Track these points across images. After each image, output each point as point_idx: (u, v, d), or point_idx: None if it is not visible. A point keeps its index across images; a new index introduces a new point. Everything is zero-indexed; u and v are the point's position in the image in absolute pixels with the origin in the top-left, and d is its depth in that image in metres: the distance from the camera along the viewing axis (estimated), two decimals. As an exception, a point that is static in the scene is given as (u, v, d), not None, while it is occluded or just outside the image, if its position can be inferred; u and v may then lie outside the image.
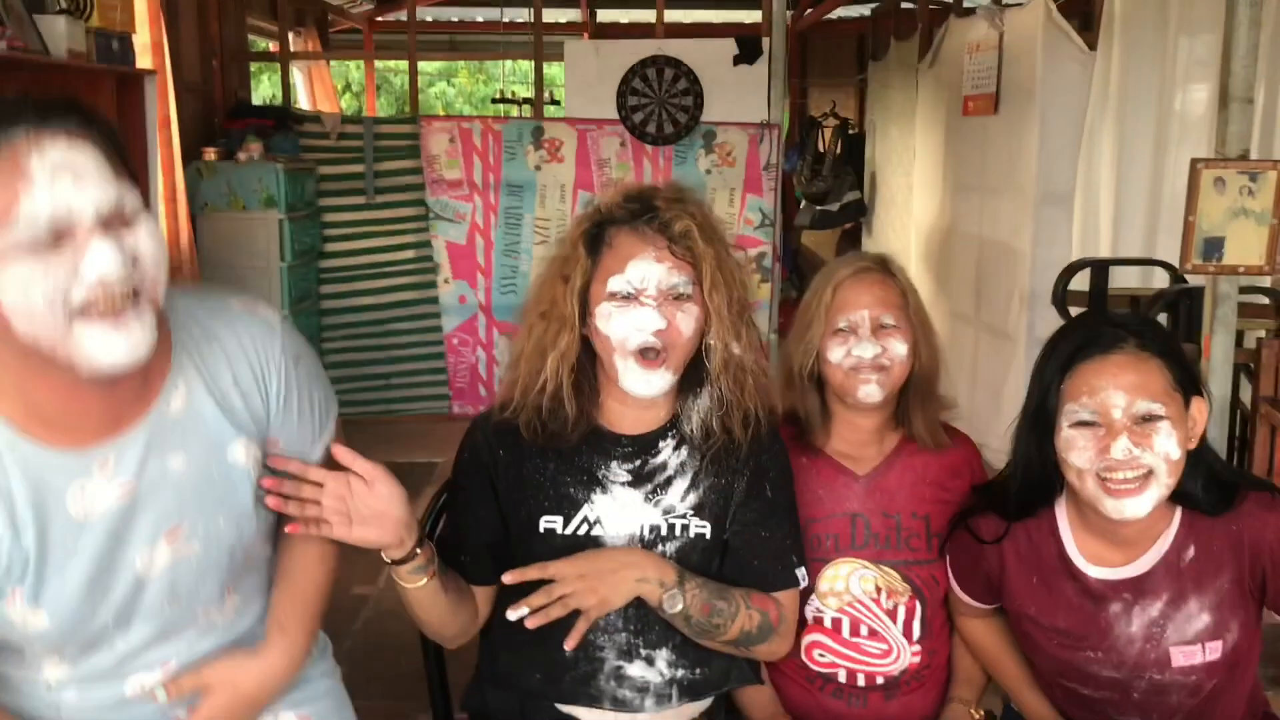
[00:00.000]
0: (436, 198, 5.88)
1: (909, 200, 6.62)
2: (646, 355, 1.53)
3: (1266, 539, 1.54)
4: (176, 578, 1.33)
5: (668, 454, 1.62)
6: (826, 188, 7.39)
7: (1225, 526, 1.56)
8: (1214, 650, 1.56)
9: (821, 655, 1.80)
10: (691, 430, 1.61)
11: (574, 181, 5.90)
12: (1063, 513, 1.63)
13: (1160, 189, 4.55)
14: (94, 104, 1.24)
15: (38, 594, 1.23)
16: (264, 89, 11.19)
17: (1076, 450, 1.51)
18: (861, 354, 1.71)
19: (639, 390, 1.55)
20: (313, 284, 5.79)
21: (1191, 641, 1.56)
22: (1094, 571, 1.60)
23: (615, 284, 1.54)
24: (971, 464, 1.85)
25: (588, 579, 1.52)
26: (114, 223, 1.14)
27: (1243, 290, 3.51)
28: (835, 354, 1.74)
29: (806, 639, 1.80)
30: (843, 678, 1.79)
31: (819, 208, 7.42)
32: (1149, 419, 1.47)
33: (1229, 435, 3.66)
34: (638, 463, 1.61)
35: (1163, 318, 3.82)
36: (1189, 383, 1.52)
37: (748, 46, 5.78)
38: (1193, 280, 3.56)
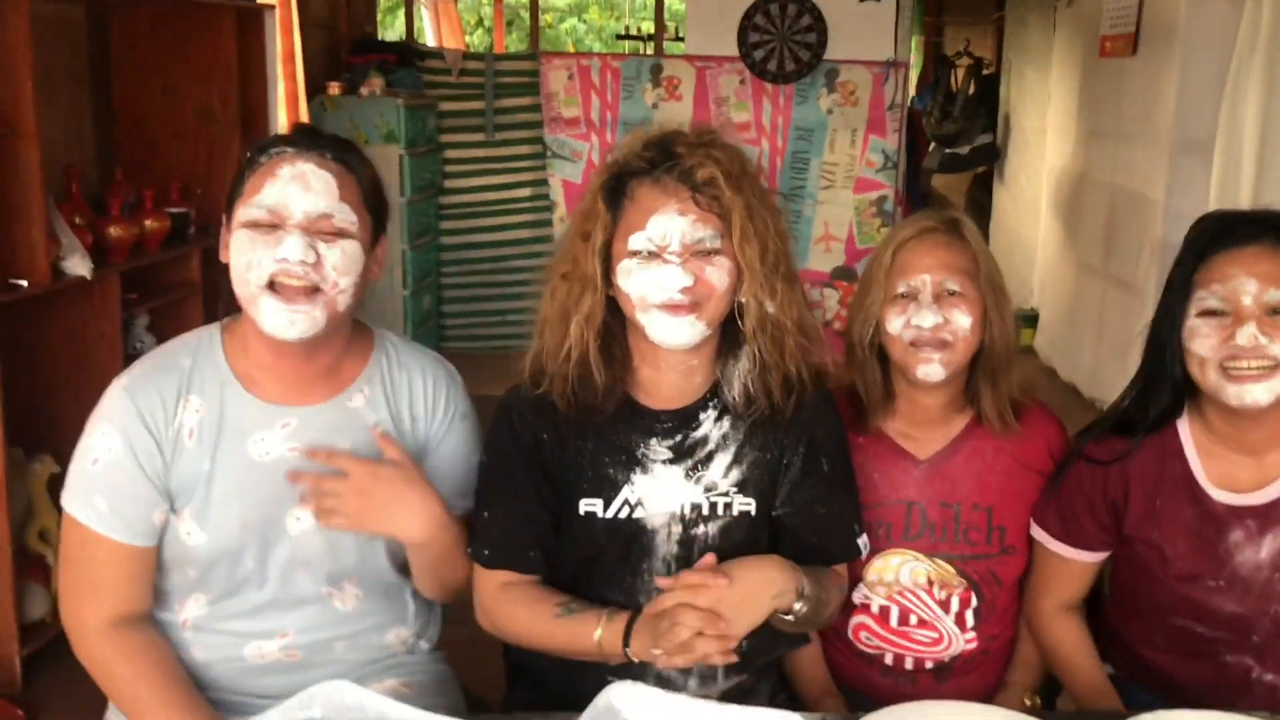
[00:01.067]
0: (554, 135, 5.89)
1: (1042, 145, 6.36)
2: (673, 303, 1.43)
3: None
4: (313, 546, 1.52)
5: (709, 426, 1.54)
6: (957, 129, 7.14)
7: None
8: None
9: (868, 639, 1.74)
10: (734, 396, 1.52)
11: (691, 120, 5.82)
12: (1186, 431, 1.57)
13: (1311, 139, 4.26)
14: (356, 146, 1.55)
15: (203, 515, 1.47)
16: (398, 26, 11.33)
17: (1200, 338, 1.48)
18: (921, 323, 1.58)
19: (669, 339, 1.45)
20: (433, 219, 5.90)
21: None
22: (1219, 495, 1.55)
23: (636, 241, 1.44)
24: (1052, 451, 1.70)
25: (722, 618, 1.34)
26: (318, 229, 1.42)
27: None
28: (894, 324, 1.61)
29: (853, 620, 1.74)
30: (889, 660, 1.74)
31: (948, 150, 7.18)
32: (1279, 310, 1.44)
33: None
34: (678, 437, 1.53)
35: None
36: None
37: (875, -18, 5.60)
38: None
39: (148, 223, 3.47)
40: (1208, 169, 4.39)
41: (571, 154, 5.91)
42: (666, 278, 1.43)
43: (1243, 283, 1.45)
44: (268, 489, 1.48)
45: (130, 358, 3.49)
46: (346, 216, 1.44)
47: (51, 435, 3.00)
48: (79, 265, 3.00)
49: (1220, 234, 1.50)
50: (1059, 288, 5.98)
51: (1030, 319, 6.25)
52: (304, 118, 4.93)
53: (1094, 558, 1.65)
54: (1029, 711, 1.37)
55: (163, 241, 3.56)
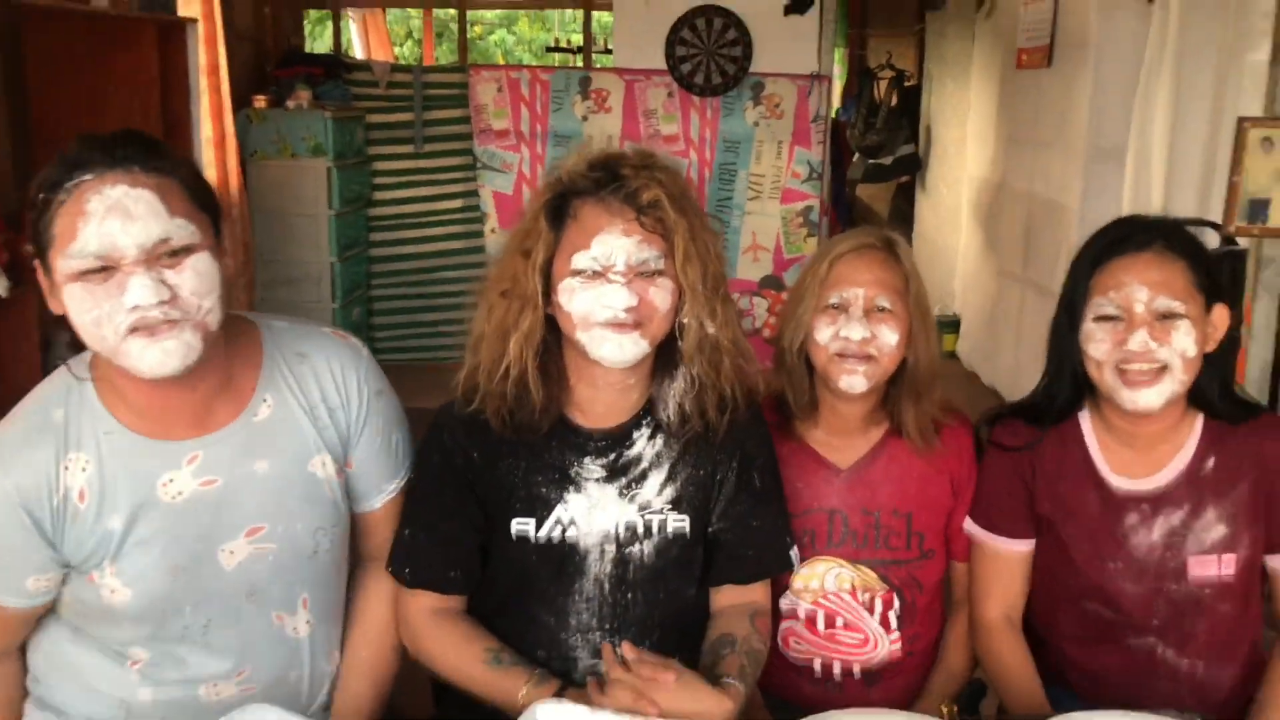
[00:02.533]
0: (484, 147, 5.89)
1: (963, 155, 6.49)
2: (618, 321, 1.44)
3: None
4: (254, 574, 1.44)
5: (642, 445, 1.55)
6: (880, 140, 7.26)
7: (1245, 437, 1.62)
8: (1228, 564, 1.61)
9: (797, 644, 1.77)
10: (668, 416, 1.52)
11: (621, 133, 5.87)
12: (1087, 421, 1.68)
13: (1216, 148, 4.39)
14: (163, 145, 1.36)
15: (123, 570, 1.36)
16: (326, 38, 11.24)
17: (1096, 343, 1.57)
18: (850, 335, 1.62)
19: (611, 357, 1.45)
20: (361, 232, 5.86)
21: (1209, 551, 1.61)
22: (1116, 481, 1.65)
23: (580, 260, 1.44)
24: (964, 458, 1.75)
25: (655, 704, 1.34)
26: (158, 259, 1.26)
27: (1290, 253, 3.41)
28: (823, 334, 1.65)
29: (783, 626, 1.77)
30: (818, 667, 1.77)
31: (871, 161, 7.30)
32: (1169, 316, 1.54)
33: (1270, 400, 3.57)
34: (611, 456, 1.54)
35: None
36: (1213, 288, 1.58)
37: (799, -4, 5.69)
38: (1239, 243, 3.46)
39: (68, 238, 3.40)
40: (1121, 176, 4.52)
41: (502, 165, 5.91)
42: (611, 296, 1.43)
43: (1135, 290, 1.54)
44: (190, 529, 1.38)
45: (51, 375, 3.42)
46: (184, 231, 1.27)
47: (-31, 455, 2.93)
48: (-5, 282, 2.94)
49: (1116, 240, 1.59)
50: (979, 293, 6.10)
51: (952, 325, 6.37)
52: (229, 131, 4.87)
53: (1022, 547, 1.71)
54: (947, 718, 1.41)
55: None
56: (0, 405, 3.01)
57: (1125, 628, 1.66)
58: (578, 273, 1.44)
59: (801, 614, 1.75)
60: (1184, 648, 1.65)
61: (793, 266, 6.03)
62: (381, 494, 1.56)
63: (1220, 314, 1.58)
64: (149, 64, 3.82)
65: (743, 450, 1.59)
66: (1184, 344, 1.53)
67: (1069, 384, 1.65)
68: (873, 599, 1.74)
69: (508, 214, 5.93)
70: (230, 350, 1.41)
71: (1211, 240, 4.07)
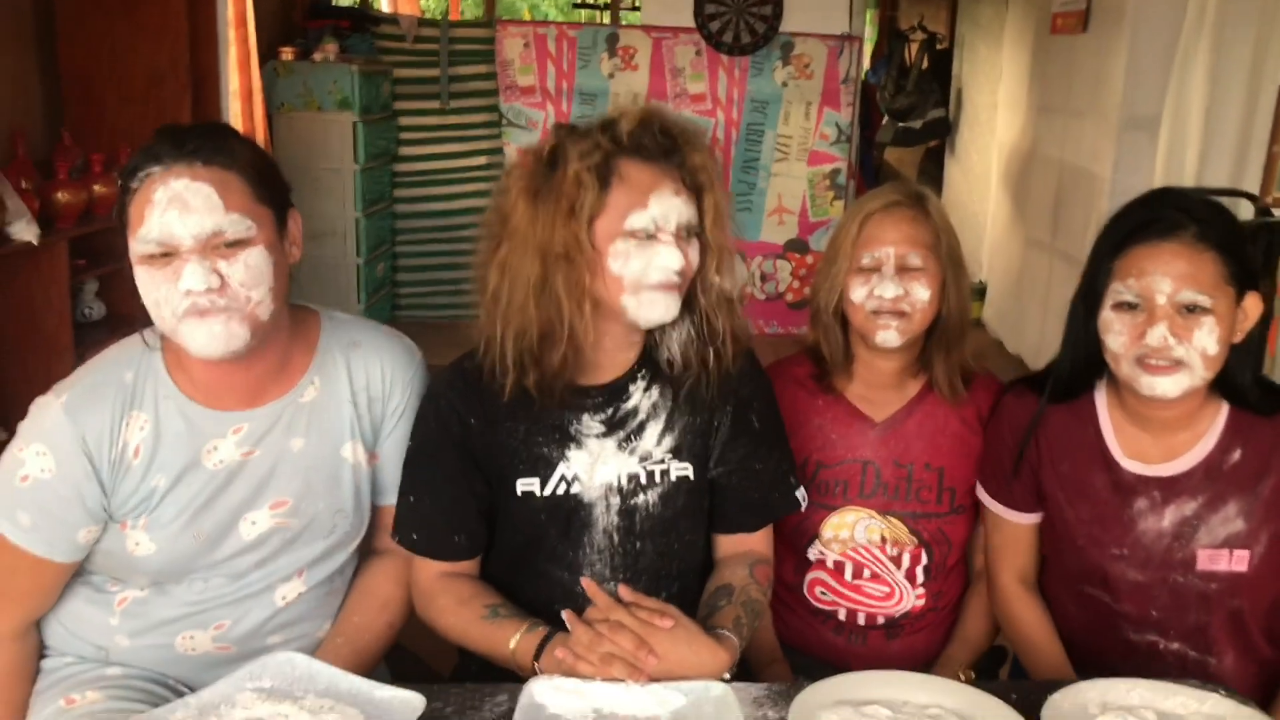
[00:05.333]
0: (510, 104, 5.86)
1: (993, 120, 6.42)
2: (669, 283, 1.45)
3: None
4: (269, 546, 1.50)
5: (638, 397, 1.56)
6: (910, 104, 7.18)
7: (1276, 428, 1.54)
8: (1240, 561, 1.55)
9: (823, 593, 1.80)
10: (674, 361, 1.54)
11: (647, 91, 5.83)
12: (1102, 401, 1.62)
13: (1254, 117, 4.33)
14: (238, 136, 1.44)
15: (154, 526, 1.43)
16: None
17: (1113, 333, 1.50)
18: (883, 294, 1.66)
19: (658, 317, 1.46)
20: (387, 187, 5.86)
21: (1220, 545, 1.55)
22: (1128, 464, 1.59)
23: (638, 220, 1.43)
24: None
25: (652, 652, 1.33)
26: (214, 248, 1.35)
27: (1326, 226, 3.36)
28: (857, 293, 1.69)
29: (809, 576, 1.80)
30: (842, 616, 1.79)
31: (901, 124, 7.22)
32: (1193, 310, 1.46)
33: (1300, 377, 3.54)
34: (609, 411, 1.55)
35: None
36: (1245, 277, 1.49)
37: (831, -45, 5.62)
38: (1277, 213, 3.42)
39: (96, 187, 3.42)
40: (1154, 145, 4.46)
41: (527, 123, 5.88)
42: (665, 257, 1.44)
43: (1158, 280, 1.46)
44: (222, 497, 1.45)
45: (79, 325, 3.45)
46: (239, 226, 1.35)
47: (-1, 402, 2.97)
48: (25, 231, 2.96)
49: (1143, 223, 1.50)
50: (1007, 261, 6.06)
51: (978, 292, 6.33)
52: (255, 82, 4.87)
53: (1027, 519, 1.69)
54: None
55: (112, 207, 3.50)
56: (33, 352, 3.06)
57: (1123, 619, 1.62)
58: (631, 234, 1.44)
59: (830, 562, 1.78)
60: (1188, 641, 1.60)
61: (818, 230, 6.00)
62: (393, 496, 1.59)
63: (1253, 303, 1.50)
64: (177, 15, 3.80)
65: (738, 395, 1.60)
66: (1205, 342, 1.46)
67: (1084, 365, 1.61)
68: (901, 553, 1.76)
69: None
70: (291, 336, 1.49)
71: (1246, 211, 4.03)
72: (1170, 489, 1.57)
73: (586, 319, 1.45)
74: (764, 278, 6.05)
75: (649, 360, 1.57)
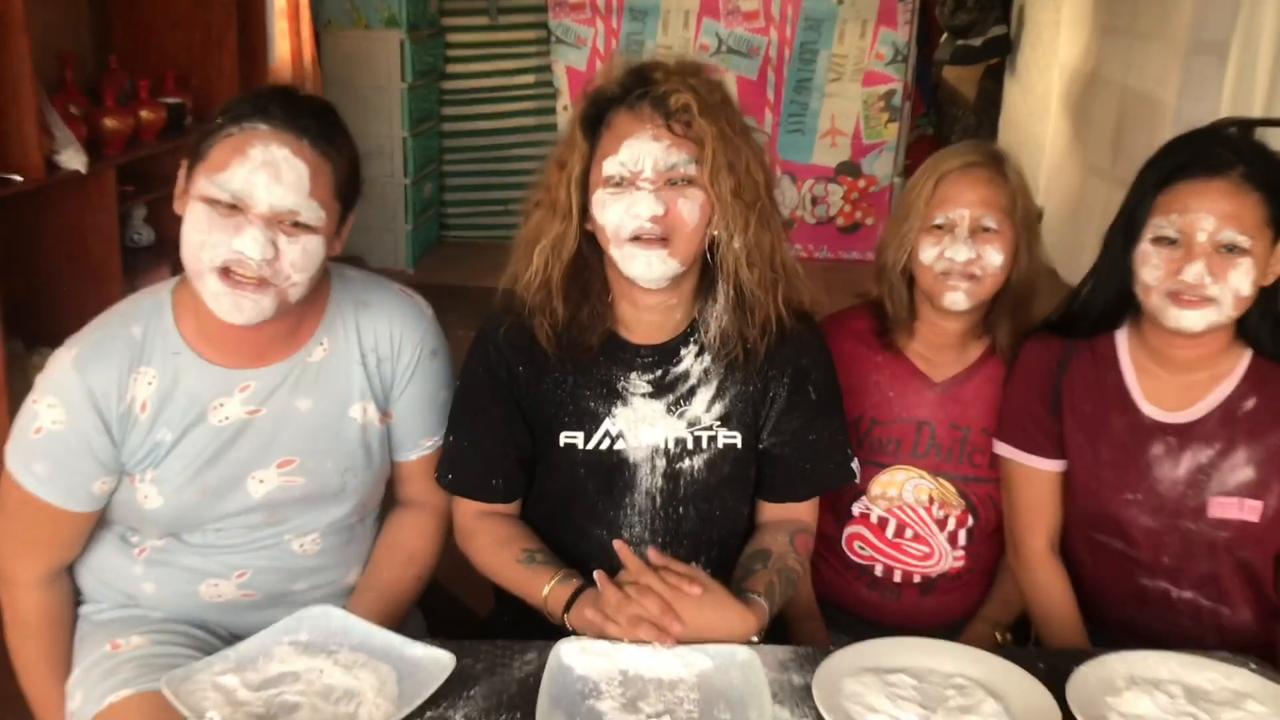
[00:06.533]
0: (559, 20, 5.77)
1: (1055, 40, 6.21)
2: (644, 237, 1.43)
3: None
4: (279, 502, 1.51)
5: (690, 362, 1.55)
6: (971, 20, 6.95)
7: None
8: (1252, 511, 1.55)
9: (862, 548, 1.80)
10: (709, 338, 1.52)
11: (699, 8, 5.71)
12: (1124, 343, 1.62)
13: (1331, 43, 4.16)
14: (345, 128, 1.45)
15: (161, 479, 1.45)
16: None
17: (1150, 266, 1.50)
18: (954, 256, 1.63)
19: (643, 275, 1.44)
20: (434, 106, 5.82)
21: (1232, 493, 1.55)
22: (1147, 409, 1.59)
23: (610, 166, 1.43)
24: None
25: (678, 618, 1.33)
26: (280, 223, 1.35)
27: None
28: (927, 254, 1.65)
29: (848, 530, 1.79)
30: (879, 571, 1.79)
31: (960, 41, 7.01)
32: (1232, 249, 1.46)
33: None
34: (658, 372, 1.54)
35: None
36: None
37: None
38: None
39: (143, 113, 3.43)
40: (1222, 71, 4.30)
41: (576, 40, 5.79)
42: (639, 205, 1.42)
43: (1201, 218, 1.46)
44: (228, 453, 1.46)
45: (128, 251, 3.49)
46: (314, 213, 1.36)
47: (50, 328, 3.00)
48: (73, 159, 2.98)
49: (1192, 159, 1.49)
50: (1065, 187, 5.91)
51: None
52: (302, 0, 4.82)
53: (1052, 466, 1.67)
54: (1000, 646, 1.41)
55: (159, 133, 3.52)
56: (83, 279, 3.10)
57: (1135, 564, 1.62)
58: (608, 180, 1.44)
59: (874, 518, 1.78)
60: (1201, 589, 1.60)
61: (871, 153, 5.88)
62: (419, 449, 1.61)
63: None
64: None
65: (795, 365, 1.58)
66: (1240, 282, 1.46)
67: (1113, 299, 1.59)
68: (948, 516, 1.76)
69: (580, 91, 5.82)
70: (302, 305, 1.47)
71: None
72: (1186, 435, 1.57)
73: (551, 272, 1.48)
74: (815, 201, 5.96)
75: (698, 328, 1.55)
